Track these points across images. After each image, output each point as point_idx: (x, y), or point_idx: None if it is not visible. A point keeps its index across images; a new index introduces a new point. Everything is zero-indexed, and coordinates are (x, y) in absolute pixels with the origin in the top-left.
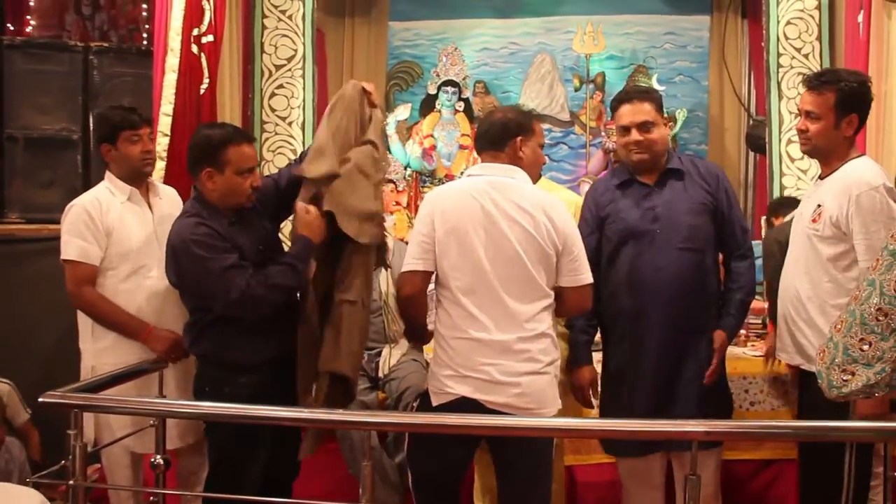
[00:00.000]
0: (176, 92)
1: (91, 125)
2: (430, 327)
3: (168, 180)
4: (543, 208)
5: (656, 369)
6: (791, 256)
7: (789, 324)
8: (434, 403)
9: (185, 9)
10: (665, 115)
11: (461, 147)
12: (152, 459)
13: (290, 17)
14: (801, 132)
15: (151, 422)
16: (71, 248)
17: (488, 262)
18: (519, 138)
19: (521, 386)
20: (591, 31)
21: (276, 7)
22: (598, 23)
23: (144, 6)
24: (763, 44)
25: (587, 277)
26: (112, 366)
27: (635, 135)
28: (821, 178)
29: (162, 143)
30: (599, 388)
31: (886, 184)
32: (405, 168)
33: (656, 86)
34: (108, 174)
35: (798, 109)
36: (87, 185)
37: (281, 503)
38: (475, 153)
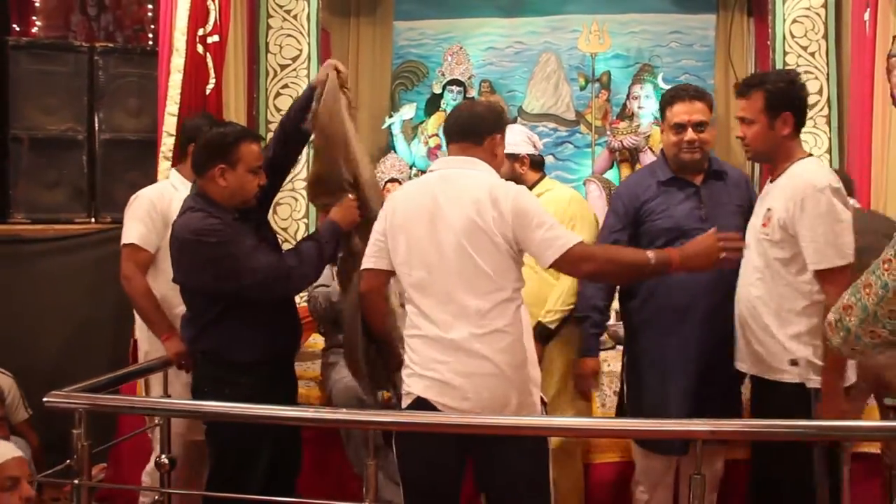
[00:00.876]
0: (181, 92)
1: (97, 124)
2: None
3: None
4: (491, 195)
5: (699, 365)
6: (745, 261)
7: (746, 331)
8: (403, 406)
9: (190, 9)
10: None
11: None
12: (156, 458)
13: (294, 17)
14: (741, 139)
15: (157, 420)
16: (131, 233)
17: (436, 257)
18: (498, 136)
19: (465, 389)
20: (596, 30)
21: (280, 7)
22: (604, 22)
23: (150, 6)
24: (769, 42)
25: (566, 242)
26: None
27: (690, 134)
28: (771, 181)
29: (167, 144)
30: (625, 382)
31: (832, 185)
32: (410, 167)
33: (662, 85)
34: (173, 171)
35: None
36: (93, 185)
37: (285, 503)
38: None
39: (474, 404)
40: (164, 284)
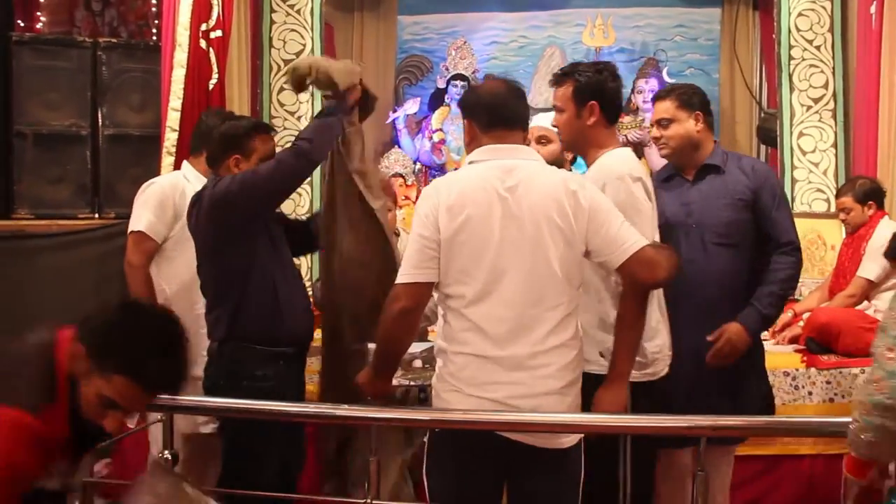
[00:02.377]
0: (184, 87)
1: (100, 119)
2: None
3: None
4: (567, 188)
5: (690, 361)
6: None
7: None
8: (438, 428)
9: (193, 4)
10: (694, 110)
11: None
12: (159, 454)
13: (298, 12)
14: (555, 127)
15: (159, 416)
16: (140, 221)
17: (504, 264)
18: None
19: (525, 410)
20: (600, 24)
21: (284, 2)
22: (608, 16)
23: (154, 1)
24: (774, 36)
25: (636, 243)
26: None
27: (654, 131)
28: None
29: (171, 139)
30: None
31: (633, 174)
32: (414, 163)
33: (667, 79)
34: (185, 163)
35: None
36: (97, 180)
37: (288, 499)
38: (482, 131)
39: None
40: (167, 279)
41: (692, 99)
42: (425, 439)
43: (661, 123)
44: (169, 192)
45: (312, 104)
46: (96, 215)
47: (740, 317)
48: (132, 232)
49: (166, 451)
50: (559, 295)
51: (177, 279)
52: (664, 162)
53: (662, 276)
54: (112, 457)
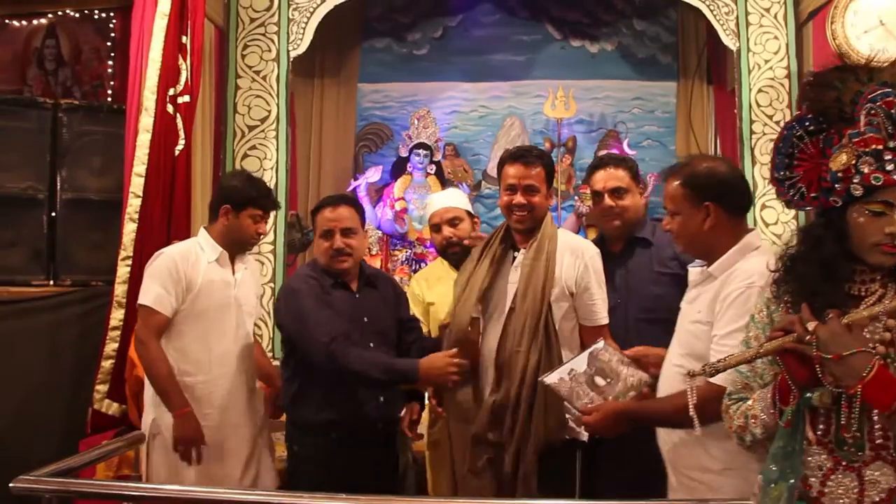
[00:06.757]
0: (149, 152)
1: (59, 183)
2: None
3: (139, 242)
4: None
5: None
6: None
7: None
8: None
9: (161, 68)
10: (640, 183)
11: None
12: None
13: (264, 78)
14: (522, 213)
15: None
16: (148, 294)
17: None
18: None
19: None
20: (562, 96)
21: (250, 67)
22: (569, 87)
23: (110, 63)
24: (736, 111)
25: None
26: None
27: (608, 200)
28: None
29: (134, 205)
30: None
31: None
32: (376, 230)
33: (627, 150)
34: (203, 231)
35: None
36: (53, 245)
37: None
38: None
39: None
40: (176, 354)
41: (638, 174)
42: None
43: (617, 192)
44: (180, 262)
45: (276, 171)
46: (51, 282)
47: None
48: (140, 305)
49: None
50: None
51: (187, 356)
52: None
53: None
54: None
